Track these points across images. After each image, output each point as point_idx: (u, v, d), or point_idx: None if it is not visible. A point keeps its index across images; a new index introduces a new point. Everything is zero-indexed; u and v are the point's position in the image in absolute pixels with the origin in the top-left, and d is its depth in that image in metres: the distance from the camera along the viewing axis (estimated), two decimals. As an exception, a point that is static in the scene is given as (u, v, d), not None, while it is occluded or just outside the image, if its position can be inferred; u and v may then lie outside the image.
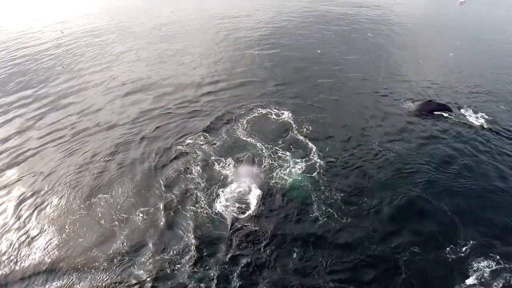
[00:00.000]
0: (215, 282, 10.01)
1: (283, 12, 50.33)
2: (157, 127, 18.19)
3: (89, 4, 61.07)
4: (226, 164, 14.89)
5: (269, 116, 19.20)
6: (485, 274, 10.38)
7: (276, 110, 19.61)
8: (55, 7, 59.75)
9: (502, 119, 19.54)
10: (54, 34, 39.33)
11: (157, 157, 15.56)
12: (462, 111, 19.99)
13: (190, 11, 51.69)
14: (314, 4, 56.10)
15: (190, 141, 16.69)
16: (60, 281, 10.32)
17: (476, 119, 19.12)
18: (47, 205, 13.09)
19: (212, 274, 10.19)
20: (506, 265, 10.65)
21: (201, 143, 16.51)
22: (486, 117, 19.41)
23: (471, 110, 20.16)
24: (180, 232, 11.62)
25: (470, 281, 10.19)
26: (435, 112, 19.69)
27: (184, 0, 60.32)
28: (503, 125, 18.83)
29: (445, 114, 19.55)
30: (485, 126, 18.51)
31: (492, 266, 10.60)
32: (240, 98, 21.52)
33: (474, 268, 10.53)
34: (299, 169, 14.43)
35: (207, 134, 17.22)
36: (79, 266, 10.67)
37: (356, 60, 29.30)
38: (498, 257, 10.88)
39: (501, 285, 10.09)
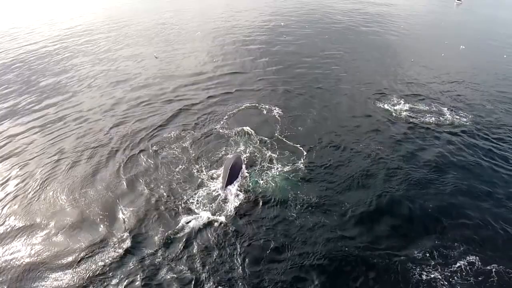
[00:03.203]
0: (190, 277, 9.70)
1: (281, 13, 49.65)
2: (144, 121, 17.89)
3: (89, 4, 60.54)
4: (211, 161, 14.44)
5: (258, 114, 18.69)
6: (460, 272, 10.03)
7: (266, 108, 19.10)
8: (55, 7, 59.21)
9: (486, 118, 18.89)
10: (51, 33, 38.83)
11: (140, 152, 15.16)
12: (448, 110, 19.33)
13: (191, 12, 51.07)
14: (309, 5, 55.30)
15: (176, 134, 16.33)
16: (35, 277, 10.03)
17: (460, 118, 18.50)
18: (21, 198, 12.79)
19: (189, 270, 9.89)
20: (481, 265, 10.27)
21: (187, 138, 16.07)
22: (471, 116, 18.79)
23: (456, 109, 19.55)
24: (160, 228, 11.25)
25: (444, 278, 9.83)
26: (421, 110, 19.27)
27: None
28: (487, 125, 18.20)
29: (429, 114, 18.94)
30: (469, 125, 17.91)
31: (469, 265, 10.24)
32: (232, 96, 21.06)
33: (449, 267, 10.13)
34: (282, 170, 13.84)
35: (192, 131, 16.74)
36: (58, 262, 10.32)
37: (351, 59, 28.59)
38: (475, 255, 10.54)
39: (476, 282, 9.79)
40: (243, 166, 13.92)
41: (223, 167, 13.71)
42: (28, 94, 22.10)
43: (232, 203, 12.19)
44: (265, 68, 26.14)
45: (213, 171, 13.85)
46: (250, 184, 13.13)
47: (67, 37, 36.40)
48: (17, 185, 13.51)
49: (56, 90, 22.53)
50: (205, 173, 13.68)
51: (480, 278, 9.96)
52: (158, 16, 46.62)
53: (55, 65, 27.67)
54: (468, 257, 10.50)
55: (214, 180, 13.29)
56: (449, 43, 35.26)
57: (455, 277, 9.93)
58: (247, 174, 13.64)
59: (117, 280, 9.71)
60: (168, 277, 9.74)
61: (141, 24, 41.70)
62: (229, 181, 12.84)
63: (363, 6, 54.73)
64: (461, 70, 27.18)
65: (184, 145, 15.55)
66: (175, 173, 13.73)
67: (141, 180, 13.42)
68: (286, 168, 13.98)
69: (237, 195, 12.53)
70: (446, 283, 9.76)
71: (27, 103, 20.76)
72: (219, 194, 12.58)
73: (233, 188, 12.79)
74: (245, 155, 14.74)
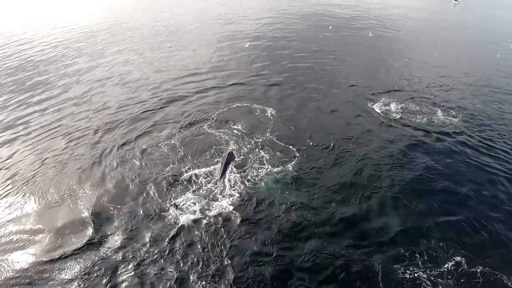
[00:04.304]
0: (176, 272, 9.54)
1: (278, 13, 49.40)
2: (134, 118, 17.62)
3: (87, 4, 60.16)
4: (200, 159, 14.16)
5: (249, 112, 18.35)
6: (446, 272, 9.80)
7: (258, 106, 18.79)
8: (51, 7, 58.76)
9: (477, 118, 18.60)
10: (46, 33, 38.37)
11: (128, 149, 14.90)
12: (439, 109, 19.04)
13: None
14: (305, 5, 54.99)
15: (165, 132, 16.07)
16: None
17: (451, 118, 18.19)
18: (6, 196, 12.52)
19: (175, 266, 9.72)
20: (467, 265, 10.00)
21: (177, 136, 15.80)
22: (461, 115, 18.52)
23: (448, 108, 19.28)
24: (148, 224, 11.05)
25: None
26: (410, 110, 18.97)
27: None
28: (477, 124, 17.91)
29: (421, 113, 18.62)
30: (459, 125, 17.62)
31: (455, 265, 9.98)
32: (224, 93, 20.80)
33: (435, 267, 9.87)
34: (272, 170, 13.52)
35: (182, 129, 16.46)
36: (43, 259, 10.03)
37: (345, 59, 28.34)
38: (460, 255, 10.29)
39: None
40: (235, 161, 13.86)
41: (220, 161, 13.68)
42: (20, 92, 21.79)
43: (221, 201, 11.95)
44: (258, 66, 25.92)
45: (202, 169, 13.54)
46: (246, 176, 13.09)
47: (63, 37, 36.06)
48: (2, 182, 13.22)
49: (47, 88, 22.21)
50: (193, 171, 13.38)
51: (464, 279, 9.71)
52: (154, 15, 46.31)
53: (48, 64, 27.31)
54: (454, 258, 10.24)
55: (203, 178, 13.03)
56: (442, 42, 34.95)
57: (440, 278, 9.68)
58: (241, 171, 13.47)
59: (103, 277, 9.49)
60: (156, 273, 9.57)
61: (137, 24, 41.39)
62: (225, 173, 12.92)
63: (359, 6, 54.37)
64: (454, 69, 26.91)
65: (172, 143, 15.30)
66: (164, 171, 13.46)
67: (129, 177, 13.15)
68: (276, 169, 13.67)
69: (229, 191, 12.34)
70: (430, 283, 9.50)
71: (17, 100, 20.48)
72: (207, 193, 12.29)
73: (227, 182, 12.72)
74: (235, 153, 14.49)
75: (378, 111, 18.81)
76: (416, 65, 27.23)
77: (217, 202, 11.90)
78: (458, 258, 10.23)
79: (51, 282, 9.48)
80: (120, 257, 10.01)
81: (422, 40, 36.37)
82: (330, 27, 35.99)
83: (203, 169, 13.47)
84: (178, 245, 10.35)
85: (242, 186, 12.70)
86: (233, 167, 13.51)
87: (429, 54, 30.49)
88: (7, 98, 20.91)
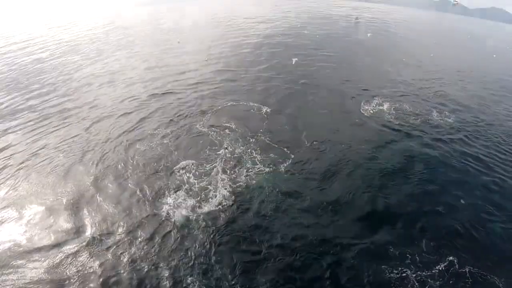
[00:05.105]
0: (166, 270, 9.50)
1: (277, 15, 49.32)
2: (128, 116, 17.49)
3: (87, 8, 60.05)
4: (193, 158, 13.99)
5: (243, 111, 18.19)
6: (436, 272, 9.67)
7: (252, 105, 18.63)
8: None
9: (471, 119, 18.41)
10: (44, 34, 38.34)
11: (120, 147, 14.76)
12: (433, 110, 18.86)
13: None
14: (303, 7, 54.86)
15: (158, 131, 15.96)
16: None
17: (445, 119, 17.98)
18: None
19: (165, 263, 9.67)
20: (458, 265, 9.90)
21: (170, 135, 15.69)
22: (454, 116, 18.34)
23: (442, 109, 19.08)
24: (140, 220, 11.00)
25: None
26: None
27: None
28: (472, 125, 17.71)
29: (415, 114, 18.43)
30: (454, 126, 17.44)
31: (445, 265, 9.84)
32: (219, 92, 20.64)
33: (424, 266, 9.74)
34: (264, 170, 13.37)
35: (175, 128, 16.32)
36: (29, 253, 10.00)
37: (341, 59, 28.16)
38: (451, 255, 10.16)
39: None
40: (230, 157, 13.94)
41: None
42: (16, 90, 21.72)
43: (214, 199, 11.87)
44: (253, 66, 25.75)
45: (194, 166, 13.41)
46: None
47: (60, 36, 36.03)
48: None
49: (43, 88, 22.05)
50: (185, 168, 13.28)
51: (453, 280, 9.57)
52: (152, 17, 46.26)
53: (45, 64, 27.22)
54: (443, 257, 10.10)
55: (195, 175, 12.94)
56: (438, 42, 34.80)
57: (429, 278, 9.55)
58: (234, 169, 13.43)
59: (92, 272, 9.46)
60: (145, 268, 9.54)
61: (136, 27, 41.32)
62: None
63: (358, 7, 54.23)
64: (450, 69, 26.75)
65: (165, 141, 15.15)
66: (156, 168, 13.37)
67: (121, 175, 13.03)
68: (268, 168, 13.51)
69: (222, 189, 12.26)
70: (417, 283, 9.37)
71: (13, 97, 20.43)
72: (199, 190, 12.21)
73: (220, 179, 12.71)
74: (230, 150, 14.51)
75: (373, 112, 18.59)
76: (412, 65, 27.07)
77: (209, 200, 11.81)
78: (447, 258, 10.07)
79: (39, 275, 9.45)
80: (110, 252, 9.96)
81: (419, 40, 36.20)
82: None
83: (195, 167, 13.37)
84: (169, 242, 10.28)
85: (235, 185, 12.59)
86: (228, 163, 13.46)
87: (425, 54, 30.32)
88: (3, 95, 20.88)
